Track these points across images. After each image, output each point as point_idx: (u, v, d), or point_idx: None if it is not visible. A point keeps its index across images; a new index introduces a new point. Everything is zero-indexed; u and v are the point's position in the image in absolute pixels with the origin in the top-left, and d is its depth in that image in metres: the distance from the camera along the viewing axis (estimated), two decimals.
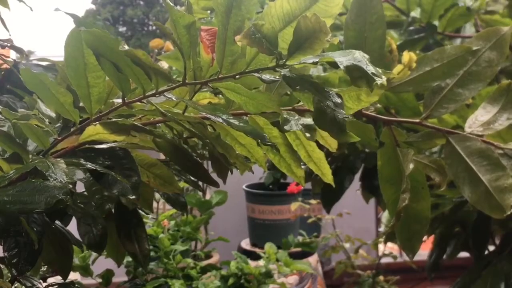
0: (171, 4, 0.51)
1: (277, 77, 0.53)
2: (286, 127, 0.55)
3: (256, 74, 0.53)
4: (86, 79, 0.54)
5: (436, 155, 0.84)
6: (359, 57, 0.49)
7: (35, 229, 0.54)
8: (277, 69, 0.52)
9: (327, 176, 0.68)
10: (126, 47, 0.49)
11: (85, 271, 1.47)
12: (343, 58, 0.49)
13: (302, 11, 0.52)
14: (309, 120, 0.57)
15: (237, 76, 0.55)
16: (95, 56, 0.52)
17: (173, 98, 0.54)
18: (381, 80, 0.48)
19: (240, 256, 1.85)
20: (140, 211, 0.71)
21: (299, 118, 0.57)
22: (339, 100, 0.53)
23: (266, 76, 0.53)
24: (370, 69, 0.49)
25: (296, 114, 0.60)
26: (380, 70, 0.49)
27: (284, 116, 0.56)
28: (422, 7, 1.05)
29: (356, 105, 0.61)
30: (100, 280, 1.54)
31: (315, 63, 0.50)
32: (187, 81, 0.55)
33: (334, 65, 0.49)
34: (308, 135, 0.55)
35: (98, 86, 0.55)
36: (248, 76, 0.55)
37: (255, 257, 2.06)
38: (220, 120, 0.53)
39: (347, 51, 0.51)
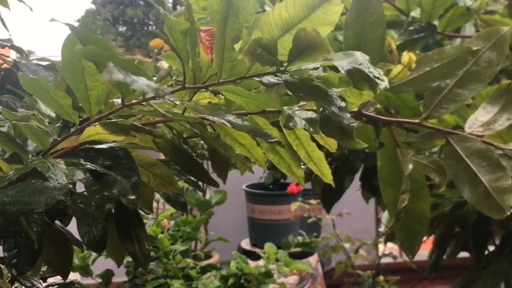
0: (166, 12, 0.51)
1: (278, 79, 0.53)
2: (290, 125, 0.52)
3: (256, 79, 0.53)
4: (85, 82, 0.54)
5: (436, 156, 0.84)
6: (360, 60, 0.49)
7: (35, 229, 0.54)
8: (278, 74, 0.52)
9: (327, 176, 0.67)
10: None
11: (85, 271, 1.47)
12: (343, 62, 0.48)
13: (301, 19, 0.51)
14: (310, 113, 0.55)
15: (238, 81, 0.55)
16: (94, 64, 0.51)
17: (175, 102, 0.54)
18: (384, 82, 0.48)
19: (240, 256, 1.85)
20: (140, 211, 0.71)
21: (302, 113, 0.55)
22: (343, 104, 0.52)
23: (267, 79, 0.52)
24: (372, 71, 0.48)
25: (298, 109, 0.58)
26: (382, 72, 0.49)
27: (287, 113, 0.54)
28: (422, 7, 1.05)
29: (358, 100, 0.61)
30: (100, 280, 1.54)
31: (316, 69, 0.49)
32: (186, 85, 0.55)
33: (334, 69, 0.49)
34: (312, 129, 0.53)
35: (96, 88, 0.54)
36: None
37: (255, 257, 2.06)
38: (224, 121, 0.52)
39: (347, 52, 0.50)
